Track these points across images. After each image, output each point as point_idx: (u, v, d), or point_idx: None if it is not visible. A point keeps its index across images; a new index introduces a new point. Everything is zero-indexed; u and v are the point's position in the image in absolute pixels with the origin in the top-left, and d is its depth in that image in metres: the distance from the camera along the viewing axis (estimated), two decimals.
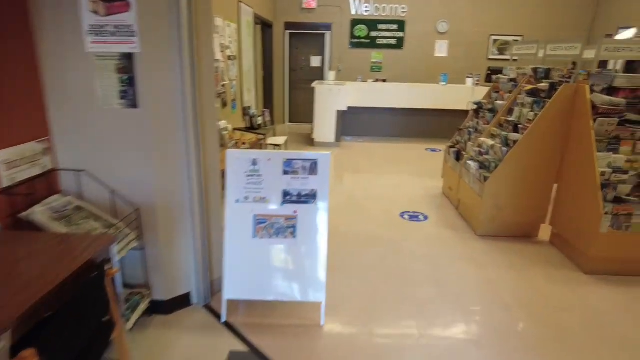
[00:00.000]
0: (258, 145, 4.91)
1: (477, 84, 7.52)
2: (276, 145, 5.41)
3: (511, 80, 4.26)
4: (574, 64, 3.63)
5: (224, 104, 5.37)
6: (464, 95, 7.48)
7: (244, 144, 4.61)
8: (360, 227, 3.98)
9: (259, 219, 2.53)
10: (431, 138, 7.85)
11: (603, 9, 8.54)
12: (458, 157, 4.52)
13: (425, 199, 4.83)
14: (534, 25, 8.80)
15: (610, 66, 7.56)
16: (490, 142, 3.94)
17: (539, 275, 3.19)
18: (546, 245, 3.72)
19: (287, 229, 2.53)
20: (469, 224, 4.06)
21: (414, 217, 4.27)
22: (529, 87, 3.79)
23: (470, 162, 4.07)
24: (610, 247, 3.11)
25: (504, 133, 3.78)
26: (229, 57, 5.61)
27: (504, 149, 3.65)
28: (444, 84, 7.59)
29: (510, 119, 3.87)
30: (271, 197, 2.50)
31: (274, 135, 5.99)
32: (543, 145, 3.53)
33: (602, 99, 3.19)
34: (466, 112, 7.69)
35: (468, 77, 7.58)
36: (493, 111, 4.26)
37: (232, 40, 5.75)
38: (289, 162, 2.48)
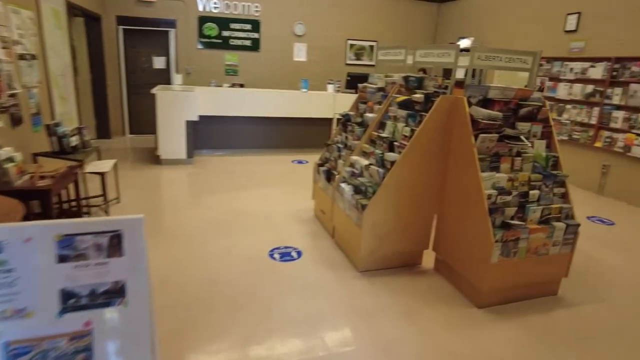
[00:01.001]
0: (71, 176, 3.52)
1: (338, 90, 7.16)
2: (99, 174, 4.04)
3: (380, 89, 3.79)
4: (447, 72, 3.27)
5: (16, 121, 3.79)
6: (326, 102, 7.04)
7: (42, 177, 3.19)
8: (213, 277, 3.01)
9: (16, 349, 1.38)
10: (297, 148, 7.24)
11: (443, 19, 9.09)
12: (329, 177, 3.89)
13: (297, 226, 4.09)
14: (386, 32, 8.91)
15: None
16: (363, 161, 3.37)
17: (436, 320, 2.69)
18: (432, 275, 3.30)
19: (74, 356, 1.44)
20: (348, 257, 3.44)
21: (285, 255, 3.47)
22: (401, 97, 3.33)
23: (343, 186, 3.45)
24: (501, 276, 2.78)
25: (378, 151, 3.24)
26: (22, 57, 4.01)
27: (381, 170, 3.10)
28: (305, 90, 7.04)
29: (383, 134, 3.35)
30: (37, 305, 1.38)
31: (99, 158, 4.54)
32: (423, 166, 3.09)
33: (482, 112, 2.84)
34: (329, 119, 7.43)
35: (329, 83, 7.18)
36: (363, 125, 3.73)
37: (25, 33, 4.14)
38: (68, 241, 1.40)
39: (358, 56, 8.91)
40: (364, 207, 3.07)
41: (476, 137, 2.81)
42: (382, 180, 3.05)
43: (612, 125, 5.38)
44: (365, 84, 4.04)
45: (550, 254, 2.88)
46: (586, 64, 5.70)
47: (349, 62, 8.89)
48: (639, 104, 5.03)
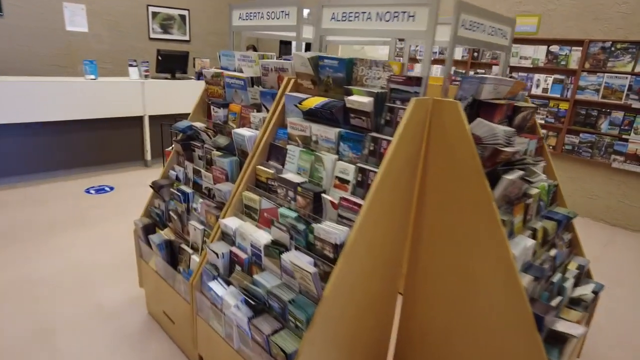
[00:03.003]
0: None
1: (146, 75, 4.84)
2: None
3: (254, 81, 1.98)
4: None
5: None
6: (130, 94, 4.65)
7: None
8: None
9: None
10: (92, 167, 4.65)
11: None
12: (174, 257, 1.96)
13: (114, 348, 2.01)
14: None
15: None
16: (260, 236, 1.59)
17: None
18: None
19: None
20: None
21: None
22: (311, 100, 1.64)
23: (227, 299, 1.59)
24: None
25: (287, 213, 1.52)
26: None
27: (313, 271, 1.39)
28: (92, 77, 4.47)
29: (287, 175, 1.63)
30: None
31: None
32: (388, 242, 1.54)
33: (491, 129, 1.43)
34: (139, 119, 4.94)
35: (131, 65, 4.76)
36: (230, 150, 1.90)
37: None
38: None
39: (165, 28, 6.55)
40: (288, 357, 1.33)
41: (491, 178, 1.41)
42: (320, 292, 1.35)
43: None
44: (216, 70, 2.15)
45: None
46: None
47: (154, 36, 6.45)
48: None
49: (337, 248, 1.35)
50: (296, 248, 1.49)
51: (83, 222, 3.48)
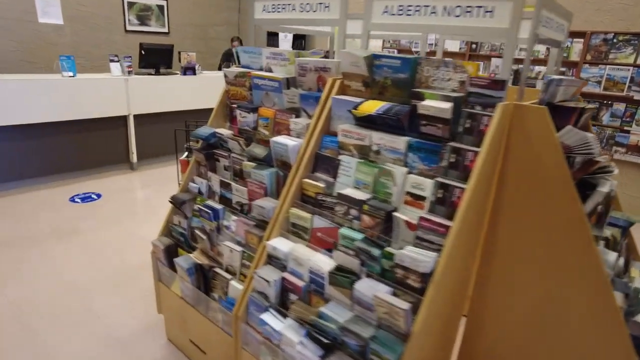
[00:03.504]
0: None
1: (129, 72, 4.45)
2: None
3: (290, 82, 1.75)
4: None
5: None
6: (114, 92, 4.27)
7: None
8: None
9: None
10: (75, 172, 4.26)
11: (243, 6, 7.16)
12: (208, 282, 1.73)
13: None
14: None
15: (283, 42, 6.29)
16: (323, 262, 1.40)
17: None
18: None
19: None
20: None
21: None
22: (370, 105, 1.45)
23: (289, 337, 1.39)
24: None
25: (352, 234, 1.34)
26: None
27: (404, 307, 1.21)
28: (71, 74, 4.06)
29: (346, 191, 1.44)
30: None
31: None
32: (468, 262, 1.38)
33: (579, 137, 1.29)
34: (123, 118, 4.45)
35: (112, 60, 4.36)
36: (268, 161, 1.68)
37: None
38: None
39: (143, 20, 6.10)
40: None
41: (581, 190, 1.28)
42: (409, 328, 1.18)
43: None
44: (240, 70, 1.91)
45: None
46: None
47: (130, 28, 5.99)
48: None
49: (426, 277, 1.19)
50: (367, 275, 1.31)
51: (72, 235, 3.15)
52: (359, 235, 1.34)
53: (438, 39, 4.92)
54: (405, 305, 1.13)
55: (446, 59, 1.38)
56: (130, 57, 4.44)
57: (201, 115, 5.19)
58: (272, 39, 6.39)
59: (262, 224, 1.62)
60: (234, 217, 1.72)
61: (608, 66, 3.79)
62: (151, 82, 4.55)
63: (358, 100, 1.51)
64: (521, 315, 1.47)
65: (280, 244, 1.49)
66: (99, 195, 3.90)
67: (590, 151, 1.26)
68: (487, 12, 1.29)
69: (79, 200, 3.78)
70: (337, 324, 1.26)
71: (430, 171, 1.34)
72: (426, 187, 1.30)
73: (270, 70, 1.85)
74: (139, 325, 2.21)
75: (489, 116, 1.25)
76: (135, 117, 4.50)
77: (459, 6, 1.35)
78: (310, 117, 1.66)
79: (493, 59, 4.56)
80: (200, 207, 1.79)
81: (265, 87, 1.78)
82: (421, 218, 1.26)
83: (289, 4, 1.81)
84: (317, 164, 1.58)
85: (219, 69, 6.10)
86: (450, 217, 1.25)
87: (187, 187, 1.95)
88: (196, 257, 1.72)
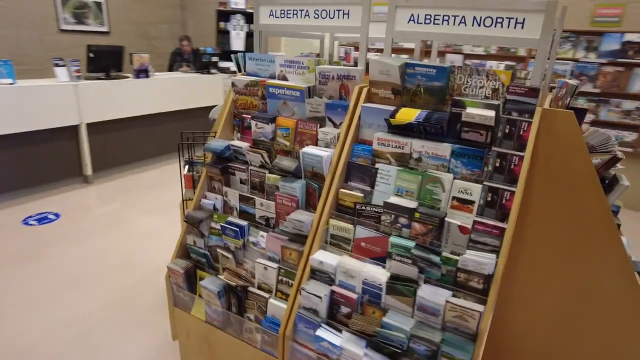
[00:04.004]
0: None
1: (78, 76, 4.03)
2: None
3: (310, 90, 1.70)
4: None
5: None
6: (62, 101, 3.85)
7: None
8: None
9: None
10: (22, 190, 3.78)
11: (187, 2, 6.78)
12: (240, 303, 1.64)
13: None
14: None
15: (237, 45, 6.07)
16: (378, 273, 1.39)
17: None
18: None
19: None
20: None
21: None
22: (406, 114, 1.46)
23: (352, 350, 1.33)
24: None
25: (402, 242, 1.34)
26: None
27: (476, 311, 1.24)
28: (10, 81, 3.57)
29: (394, 200, 1.45)
30: None
31: None
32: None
33: (605, 137, 1.41)
34: (73, 129, 3.96)
35: (57, 64, 3.90)
36: (298, 172, 1.62)
37: None
38: None
39: (79, 18, 5.54)
40: None
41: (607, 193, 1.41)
42: (478, 327, 1.22)
43: None
44: (252, 78, 1.81)
45: None
46: None
47: (66, 27, 5.42)
48: None
49: (488, 278, 1.24)
50: (424, 281, 1.33)
51: (38, 263, 2.82)
52: (410, 243, 1.36)
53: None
54: (481, 307, 1.18)
55: (479, 67, 1.44)
56: (78, 60, 4.02)
57: (159, 120, 4.87)
58: (223, 36, 6.14)
59: (297, 238, 1.58)
60: (262, 233, 1.65)
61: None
62: (103, 87, 4.16)
63: (387, 108, 1.52)
64: (549, 306, 1.59)
65: (326, 257, 1.46)
66: (57, 215, 3.52)
67: (611, 149, 1.39)
68: (518, 23, 1.37)
69: (34, 222, 3.38)
70: (405, 332, 1.27)
71: (473, 176, 1.39)
72: (474, 191, 1.35)
73: (285, 79, 1.78)
74: (146, 356, 2.05)
75: (529, 122, 1.32)
76: (88, 125, 4.10)
77: (489, 17, 1.41)
78: (336, 126, 1.64)
79: (447, 55, 4.81)
80: (224, 224, 1.69)
81: (283, 97, 1.72)
82: (475, 222, 1.31)
83: (302, 10, 1.75)
84: (349, 173, 1.57)
85: (170, 69, 5.75)
86: (501, 219, 1.31)
87: (199, 204, 1.84)
88: (227, 277, 1.62)
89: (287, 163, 1.61)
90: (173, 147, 5.22)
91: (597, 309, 1.49)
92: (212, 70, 5.53)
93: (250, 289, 1.61)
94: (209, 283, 1.66)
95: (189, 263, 1.78)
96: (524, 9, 1.35)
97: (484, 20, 1.42)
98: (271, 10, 1.84)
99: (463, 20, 1.46)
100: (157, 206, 3.82)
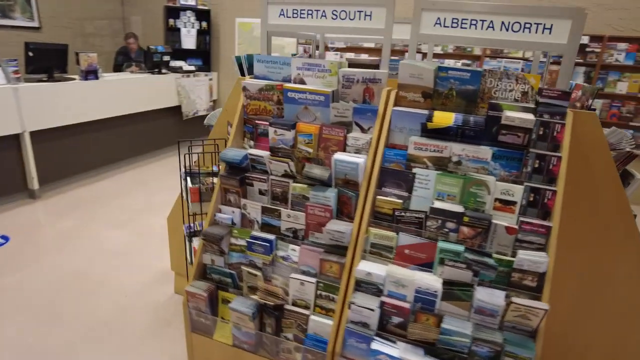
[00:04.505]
0: None
1: (17, 78, 3.51)
2: None
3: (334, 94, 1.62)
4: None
5: None
6: (5, 106, 3.34)
7: None
8: None
9: None
10: None
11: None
12: (277, 322, 1.52)
13: None
14: None
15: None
16: (432, 281, 1.36)
17: None
18: None
19: None
20: None
21: None
22: (443, 118, 1.44)
23: None
24: None
25: (455, 250, 1.33)
26: None
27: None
28: None
29: (441, 207, 1.42)
30: None
31: None
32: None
33: (622, 135, 1.51)
34: (14, 137, 3.38)
35: None
36: (330, 182, 1.54)
37: None
38: None
39: (4, 11, 4.85)
40: None
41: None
42: (539, 325, 1.24)
43: None
44: (268, 82, 1.68)
45: None
46: None
47: None
48: None
49: (542, 276, 1.27)
50: (478, 284, 1.34)
51: None
52: (460, 247, 1.36)
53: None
54: (546, 305, 1.20)
55: (509, 71, 1.47)
56: (16, 60, 3.51)
57: (111, 125, 4.44)
58: (173, 34, 5.74)
59: (334, 250, 1.51)
60: (293, 246, 1.56)
61: (504, 59, 4.46)
62: (47, 91, 3.69)
63: (420, 111, 1.50)
64: (572, 297, 1.68)
65: (372, 268, 1.41)
66: (5, 238, 3.05)
67: (628, 147, 1.50)
68: (545, 29, 1.41)
69: None
70: (467, 336, 1.27)
71: (511, 177, 1.42)
72: (516, 192, 1.37)
73: (302, 82, 1.69)
74: None
75: (562, 124, 1.38)
76: (32, 134, 3.61)
77: (517, 22, 1.44)
78: (364, 130, 1.58)
79: (406, 54, 4.93)
80: (249, 239, 1.57)
81: (305, 101, 1.63)
82: (522, 222, 1.33)
83: (317, 10, 1.66)
84: (382, 179, 1.53)
85: (115, 70, 5.26)
86: (543, 218, 1.36)
87: (214, 220, 1.68)
88: (261, 297, 1.51)
89: (319, 171, 1.53)
90: (127, 154, 4.80)
91: (615, 287, 1.61)
92: (164, 70, 5.16)
93: (289, 307, 1.51)
94: (240, 305, 1.53)
95: (210, 284, 1.63)
96: (552, 15, 1.40)
97: (512, 25, 1.45)
98: (282, 10, 1.73)
99: (491, 25, 1.48)
100: (121, 218, 3.48)
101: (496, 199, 1.40)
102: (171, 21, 5.57)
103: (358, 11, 1.61)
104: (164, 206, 3.55)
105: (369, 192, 1.48)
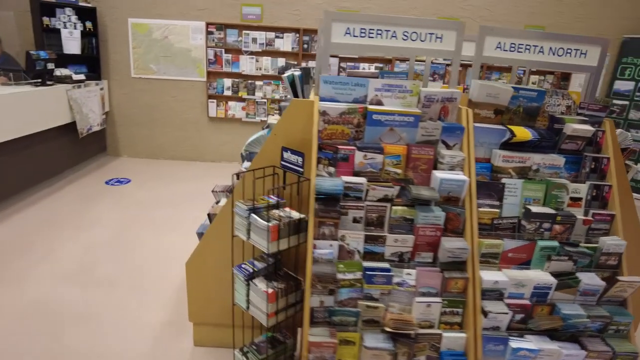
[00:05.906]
0: None
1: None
2: None
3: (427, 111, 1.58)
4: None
5: None
6: None
7: None
8: None
9: None
10: None
11: None
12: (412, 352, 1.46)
13: None
14: None
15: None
16: (551, 278, 1.49)
17: None
18: None
19: None
20: None
21: None
22: (523, 135, 1.59)
23: (552, 348, 1.41)
24: None
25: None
26: None
27: None
28: None
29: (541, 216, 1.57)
30: None
31: None
32: None
33: (626, 135, 1.92)
34: None
35: None
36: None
37: None
38: None
39: None
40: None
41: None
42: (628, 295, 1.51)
43: None
44: (350, 106, 1.55)
45: None
46: (271, 34, 4.95)
47: None
48: None
49: (620, 255, 1.56)
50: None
51: None
52: (555, 243, 1.56)
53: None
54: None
55: (557, 89, 1.72)
56: None
57: (12, 146, 3.35)
58: (52, 36, 4.55)
59: (447, 267, 1.54)
60: (408, 271, 1.52)
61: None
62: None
63: (497, 127, 1.64)
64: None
65: (494, 276, 1.50)
66: None
67: (629, 144, 1.93)
68: (582, 54, 1.70)
69: None
70: (584, 316, 1.47)
71: (570, 177, 1.69)
72: (582, 190, 1.64)
73: (379, 103, 1.63)
74: None
75: (602, 131, 1.69)
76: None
77: (561, 48, 1.69)
78: (449, 147, 1.64)
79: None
80: (368, 272, 1.47)
81: (391, 123, 1.59)
82: (594, 214, 1.60)
83: (387, 30, 1.62)
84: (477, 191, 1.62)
85: None
86: (603, 208, 1.65)
87: (315, 257, 1.51)
88: (396, 328, 1.43)
89: (427, 192, 1.52)
90: (15, 188, 3.69)
91: None
92: (48, 82, 4.11)
93: (420, 330, 1.48)
94: (374, 341, 1.43)
95: (332, 329, 1.46)
96: (587, 42, 1.69)
97: (557, 50, 1.70)
98: (348, 28, 1.63)
99: (541, 50, 1.70)
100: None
101: (570, 198, 1.64)
102: (46, 19, 4.40)
103: (429, 33, 1.64)
104: (105, 248, 2.92)
105: (472, 205, 1.55)
